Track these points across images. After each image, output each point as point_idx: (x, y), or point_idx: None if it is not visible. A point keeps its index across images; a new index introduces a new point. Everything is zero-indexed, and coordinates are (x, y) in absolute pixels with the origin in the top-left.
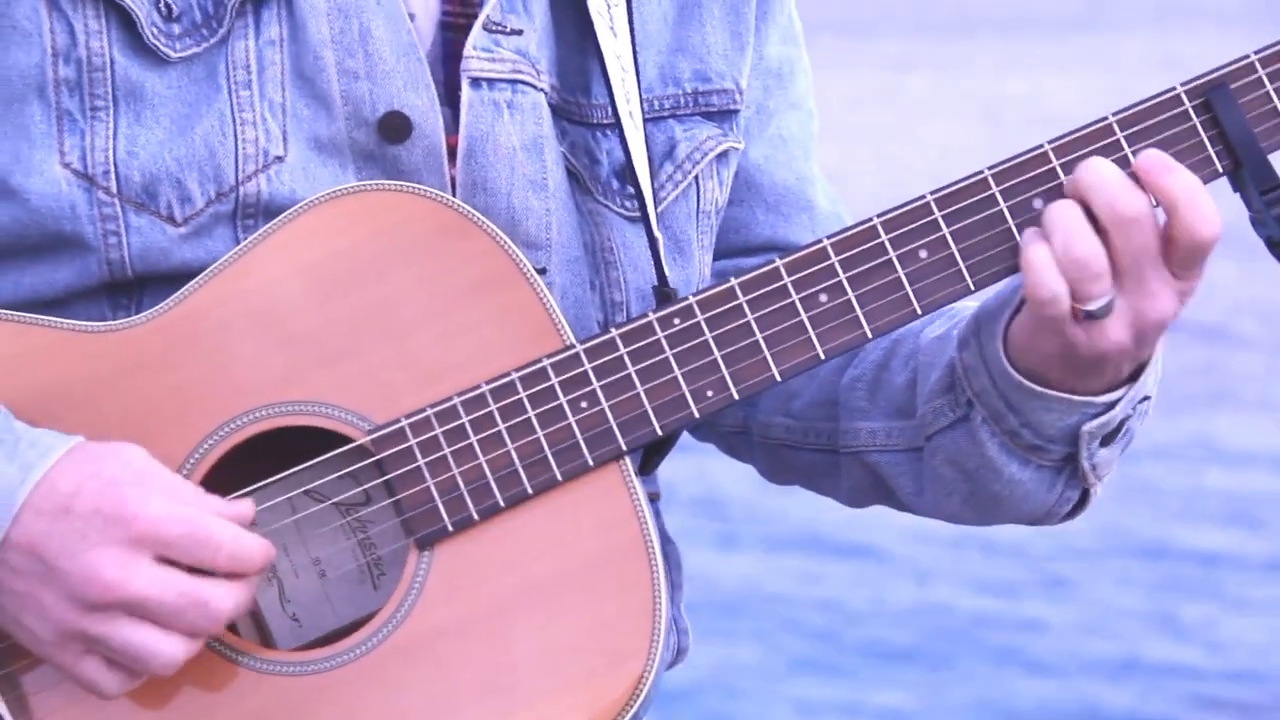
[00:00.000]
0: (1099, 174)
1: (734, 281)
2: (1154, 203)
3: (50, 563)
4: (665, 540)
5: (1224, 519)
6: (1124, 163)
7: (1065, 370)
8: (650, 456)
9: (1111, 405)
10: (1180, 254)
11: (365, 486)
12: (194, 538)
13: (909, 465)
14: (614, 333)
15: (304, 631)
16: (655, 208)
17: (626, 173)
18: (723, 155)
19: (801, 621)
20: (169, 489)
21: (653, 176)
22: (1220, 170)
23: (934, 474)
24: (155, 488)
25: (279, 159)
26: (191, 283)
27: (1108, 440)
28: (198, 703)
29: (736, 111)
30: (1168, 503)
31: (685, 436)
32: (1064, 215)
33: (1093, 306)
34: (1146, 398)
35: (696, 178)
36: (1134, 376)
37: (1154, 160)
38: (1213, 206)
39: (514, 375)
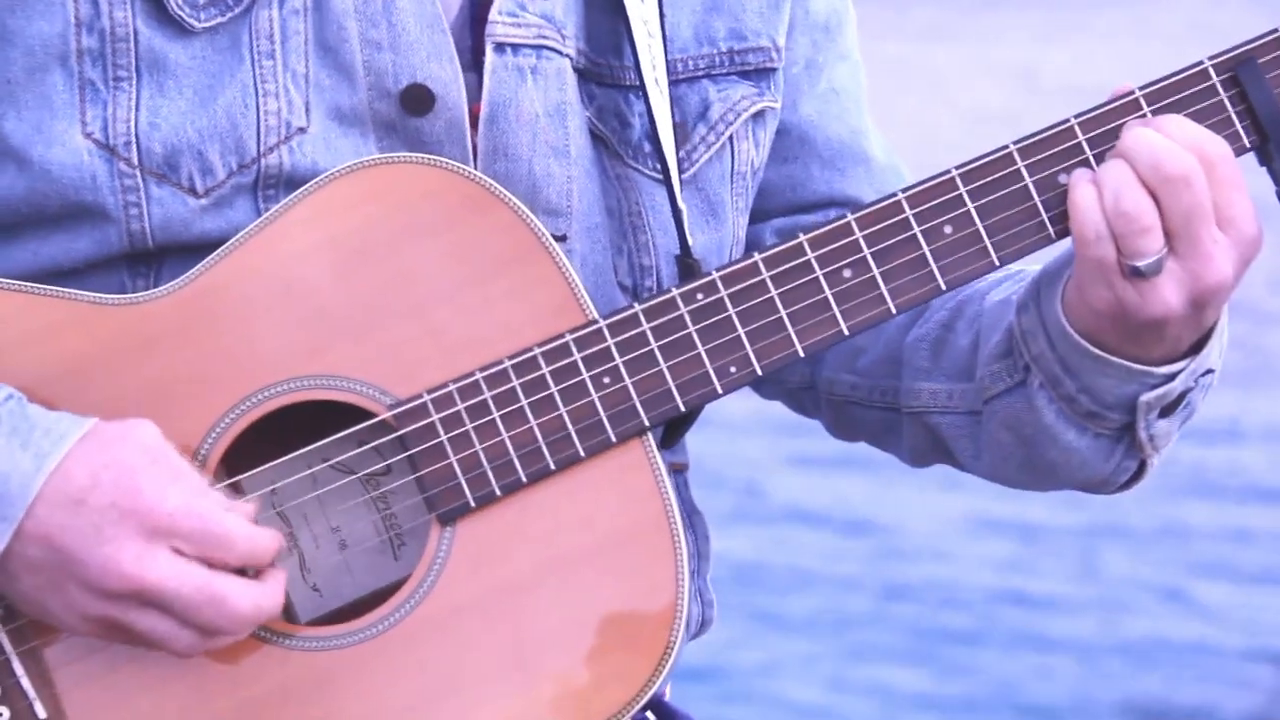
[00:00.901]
0: (1141, 139)
1: (757, 257)
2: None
3: (67, 554)
4: (692, 511)
5: (1257, 496)
6: None
7: (1121, 335)
8: (674, 430)
9: (1171, 377)
10: (1221, 196)
11: (389, 460)
12: (208, 533)
13: (969, 428)
14: (637, 308)
15: (325, 601)
16: (685, 171)
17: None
18: (759, 115)
19: (823, 600)
20: (184, 478)
21: (686, 138)
22: (1247, 145)
23: (991, 438)
24: (170, 476)
25: (301, 130)
26: (212, 255)
27: (1167, 412)
28: (222, 678)
29: (773, 70)
30: (1200, 479)
31: (710, 408)
32: (1114, 170)
33: (1141, 263)
34: (1210, 370)
35: (731, 138)
36: (1197, 349)
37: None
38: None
39: (536, 350)
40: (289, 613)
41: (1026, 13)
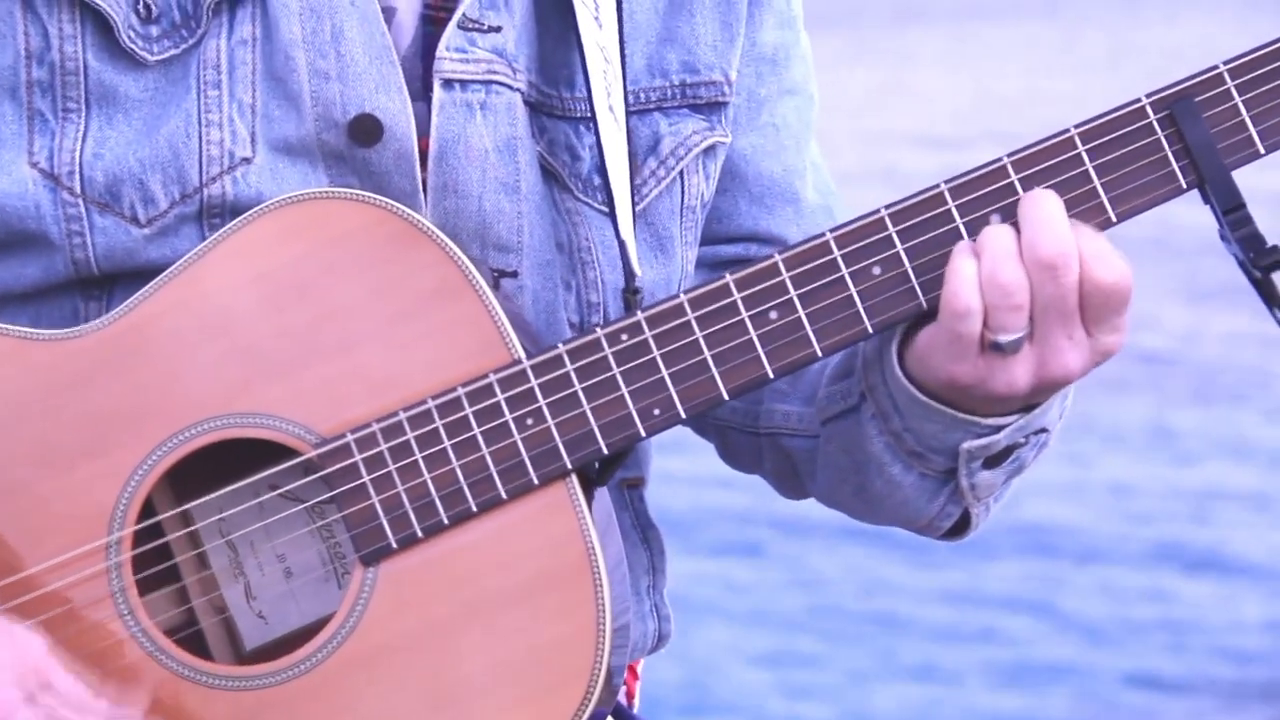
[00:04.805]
0: (1034, 208)
1: (683, 298)
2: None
3: None
4: (648, 526)
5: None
6: (1084, 178)
7: (957, 395)
8: (606, 469)
9: (996, 429)
10: (1091, 302)
11: (337, 491)
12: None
13: (814, 451)
14: (561, 349)
15: (270, 629)
16: (637, 204)
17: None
18: (709, 149)
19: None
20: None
21: (636, 172)
22: (1184, 186)
23: (828, 459)
24: (29, 690)
25: (245, 161)
26: (142, 290)
27: (992, 463)
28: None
29: (725, 104)
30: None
31: None
32: (997, 238)
33: (1004, 339)
34: (1044, 430)
35: (681, 173)
36: (1030, 408)
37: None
38: (1116, 255)
39: (460, 391)
40: (235, 641)
41: (935, 35)
